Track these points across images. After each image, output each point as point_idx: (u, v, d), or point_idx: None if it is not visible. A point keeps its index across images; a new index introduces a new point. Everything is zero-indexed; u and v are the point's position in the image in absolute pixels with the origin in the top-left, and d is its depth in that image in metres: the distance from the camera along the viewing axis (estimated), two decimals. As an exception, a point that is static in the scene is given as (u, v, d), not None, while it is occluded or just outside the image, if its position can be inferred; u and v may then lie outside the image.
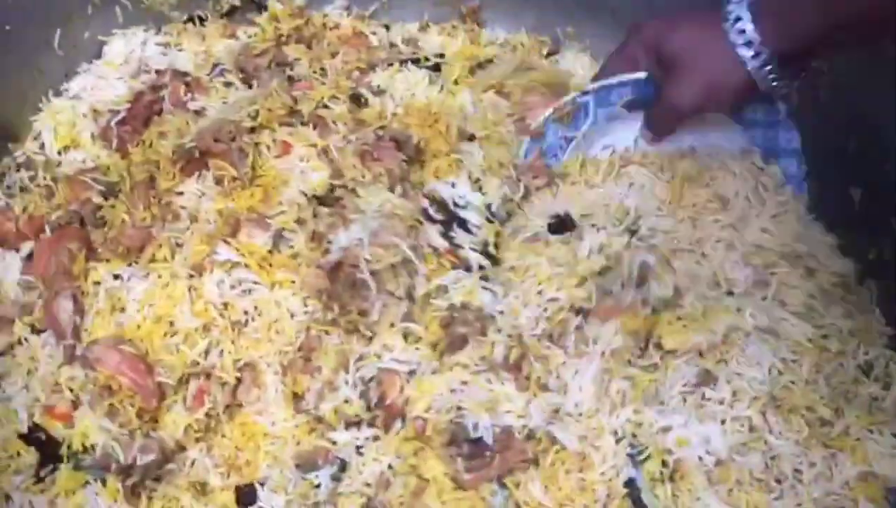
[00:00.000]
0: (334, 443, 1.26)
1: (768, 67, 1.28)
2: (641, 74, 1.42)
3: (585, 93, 1.46)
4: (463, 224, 1.38)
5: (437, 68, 1.62)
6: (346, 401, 1.27)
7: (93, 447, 1.26)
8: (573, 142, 1.48)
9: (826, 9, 1.20)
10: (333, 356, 1.30)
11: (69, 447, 1.26)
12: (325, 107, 1.47)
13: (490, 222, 1.40)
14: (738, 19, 1.27)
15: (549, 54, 1.75)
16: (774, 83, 1.30)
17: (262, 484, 1.26)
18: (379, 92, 1.53)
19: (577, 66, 1.73)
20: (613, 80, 1.45)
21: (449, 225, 1.38)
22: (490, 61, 1.68)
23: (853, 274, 1.40)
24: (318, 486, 1.26)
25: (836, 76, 1.46)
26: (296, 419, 1.29)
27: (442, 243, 1.36)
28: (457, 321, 1.30)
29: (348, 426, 1.27)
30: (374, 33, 1.69)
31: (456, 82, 1.61)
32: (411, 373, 1.28)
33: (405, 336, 1.30)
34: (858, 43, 1.29)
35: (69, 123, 1.52)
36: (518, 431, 1.24)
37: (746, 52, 1.27)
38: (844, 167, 1.46)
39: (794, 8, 1.24)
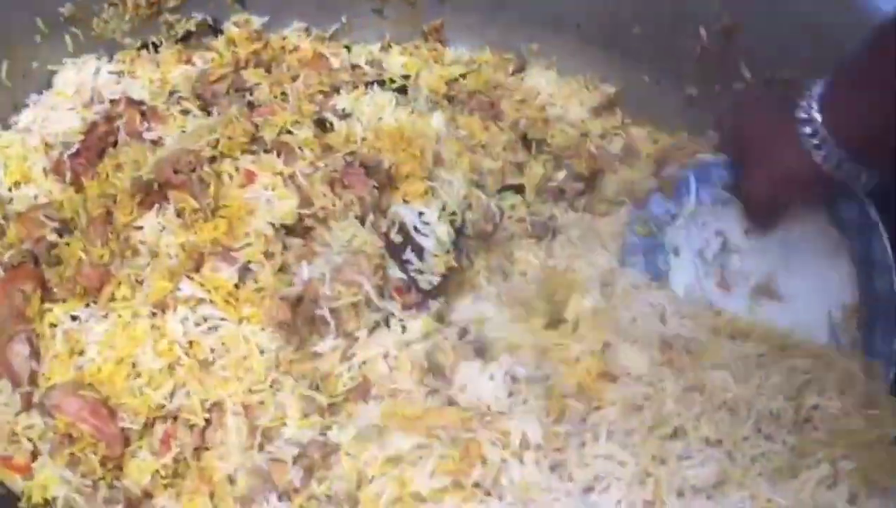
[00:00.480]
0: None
1: (836, 159, 1.26)
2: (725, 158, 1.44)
3: (685, 166, 1.47)
4: (420, 251, 1.35)
5: (402, 90, 1.57)
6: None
7: (54, 499, 1.19)
8: (680, 218, 1.46)
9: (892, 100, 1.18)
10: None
11: (29, 500, 1.20)
12: (289, 133, 1.40)
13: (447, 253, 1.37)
14: (807, 111, 1.26)
15: (514, 72, 1.70)
16: (846, 173, 1.27)
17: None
18: (344, 116, 1.47)
19: (543, 82, 1.69)
20: (711, 158, 1.46)
21: (403, 250, 1.35)
22: (456, 80, 1.64)
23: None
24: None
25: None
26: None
27: (399, 276, 1.33)
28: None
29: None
30: (335, 55, 1.63)
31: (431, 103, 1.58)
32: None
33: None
34: None
35: (19, 157, 1.46)
36: None
37: (811, 142, 1.26)
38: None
39: (861, 98, 1.23)
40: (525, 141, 1.58)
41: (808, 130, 1.26)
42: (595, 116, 1.67)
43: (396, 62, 1.67)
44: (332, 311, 1.28)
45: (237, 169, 1.36)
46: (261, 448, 1.24)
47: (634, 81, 1.65)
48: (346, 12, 1.69)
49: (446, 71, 1.65)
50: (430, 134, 1.46)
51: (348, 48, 1.68)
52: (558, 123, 1.61)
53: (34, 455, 1.23)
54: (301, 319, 1.28)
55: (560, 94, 1.67)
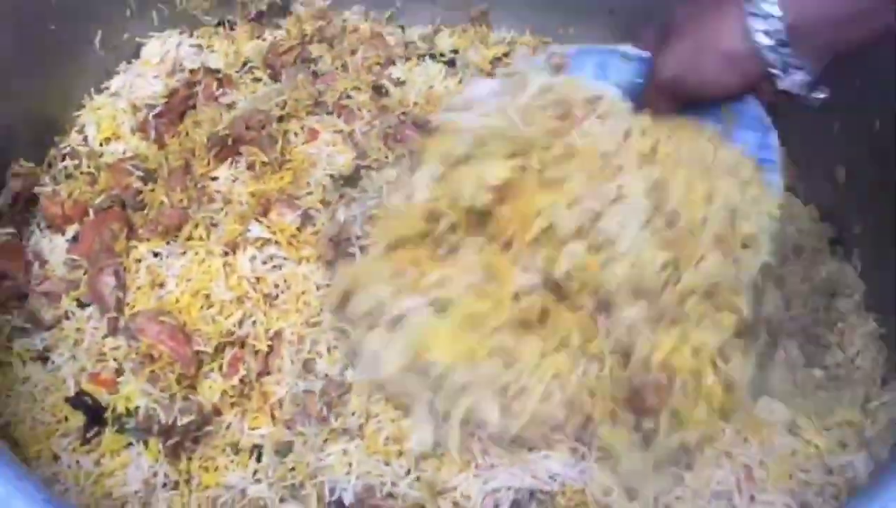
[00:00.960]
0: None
1: (779, 40, 1.09)
2: (644, 52, 1.27)
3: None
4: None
5: (451, 64, 1.68)
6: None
7: (136, 409, 1.29)
8: None
9: None
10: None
11: (113, 410, 1.29)
12: (349, 97, 1.54)
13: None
14: None
15: (551, 53, 1.81)
16: (783, 55, 1.10)
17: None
18: (399, 83, 1.59)
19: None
20: (606, 47, 1.32)
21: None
22: (500, 58, 1.75)
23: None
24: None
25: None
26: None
27: None
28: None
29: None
30: (390, 34, 1.74)
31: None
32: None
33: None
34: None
35: (110, 117, 1.56)
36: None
37: (752, 20, 1.09)
38: (829, 148, 1.51)
39: None
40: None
41: (750, 7, 1.09)
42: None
43: (447, 42, 1.76)
44: (361, 249, 1.38)
45: (302, 127, 1.50)
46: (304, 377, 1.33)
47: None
48: (400, -2, 1.79)
49: (490, 50, 1.75)
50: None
51: (402, 28, 1.79)
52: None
53: (118, 372, 1.32)
54: (340, 257, 1.38)
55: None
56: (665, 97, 1.22)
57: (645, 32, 1.28)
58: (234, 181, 1.47)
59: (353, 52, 1.65)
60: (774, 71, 1.12)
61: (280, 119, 1.50)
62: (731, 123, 1.24)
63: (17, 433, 1.28)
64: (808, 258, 1.49)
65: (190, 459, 1.29)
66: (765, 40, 1.09)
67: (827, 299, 1.46)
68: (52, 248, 1.44)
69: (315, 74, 1.61)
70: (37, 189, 1.46)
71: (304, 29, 1.68)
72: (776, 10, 1.07)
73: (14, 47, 1.44)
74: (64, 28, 1.52)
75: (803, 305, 1.44)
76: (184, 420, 1.28)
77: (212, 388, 1.33)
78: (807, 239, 1.50)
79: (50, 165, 1.51)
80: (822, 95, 1.14)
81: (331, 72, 1.61)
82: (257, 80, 1.61)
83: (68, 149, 1.53)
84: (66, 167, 1.50)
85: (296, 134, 1.49)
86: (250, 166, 1.47)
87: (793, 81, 1.12)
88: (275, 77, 1.62)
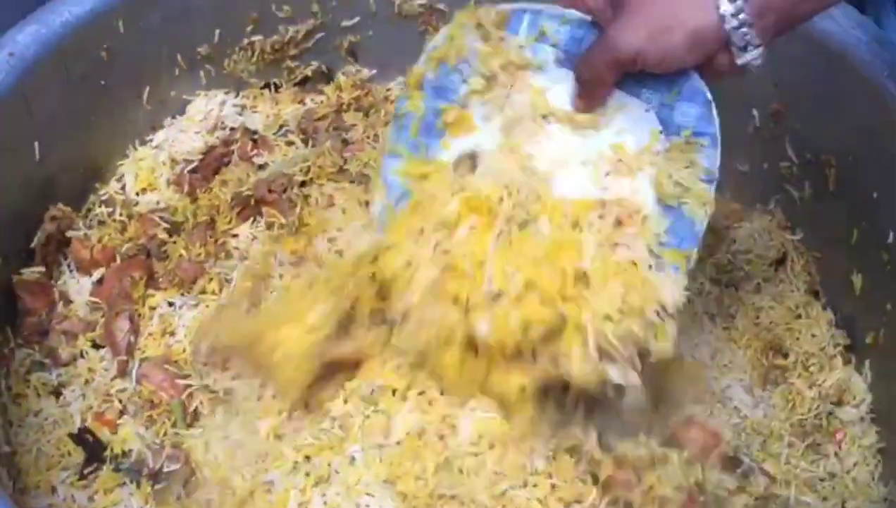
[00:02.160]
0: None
1: (743, 19, 1.10)
2: (586, 16, 1.24)
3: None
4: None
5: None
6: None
7: (130, 451, 1.38)
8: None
9: None
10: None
11: (112, 450, 1.38)
12: (372, 167, 1.62)
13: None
14: None
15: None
16: (744, 34, 1.11)
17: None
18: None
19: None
20: (551, 9, 1.26)
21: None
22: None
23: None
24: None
25: (842, 168, 1.52)
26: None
27: None
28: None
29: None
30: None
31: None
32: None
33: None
34: None
35: (149, 168, 1.68)
36: None
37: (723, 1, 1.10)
38: (849, 255, 1.53)
39: None
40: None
41: None
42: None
43: None
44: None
45: (322, 194, 1.59)
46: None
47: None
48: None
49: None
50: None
51: (440, 101, 1.87)
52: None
53: (122, 413, 1.42)
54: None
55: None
56: (614, 69, 1.18)
57: None
58: (252, 240, 1.57)
59: (387, 124, 1.72)
60: (734, 48, 1.13)
61: (302, 184, 1.60)
62: (674, 95, 1.21)
63: (21, 462, 1.38)
64: (817, 364, 1.50)
65: (179, 504, 1.35)
66: (732, 19, 1.10)
67: (831, 407, 1.47)
68: (79, 289, 1.56)
69: (345, 142, 1.71)
70: (69, 233, 1.58)
71: (341, 97, 1.78)
72: None
73: (62, 97, 1.55)
74: (114, 83, 1.63)
75: (807, 410, 1.46)
76: (170, 468, 1.36)
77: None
78: (818, 344, 1.52)
79: (88, 211, 1.64)
80: (759, 62, 1.15)
81: (360, 141, 1.69)
82: (290, 143, 1.72)
83: (106, 196, 1.65)
84: (99, 214, 1.62)
85: (317, 200, 1.58)
86: (269, 227, 1.58)
87: (749, 57, 1.13)
88: (307, 142, 1.72)
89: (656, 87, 1.21)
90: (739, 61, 1.14)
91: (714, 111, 1.21)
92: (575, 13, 1.24)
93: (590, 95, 1.23)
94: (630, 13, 1.13)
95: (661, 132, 1.23)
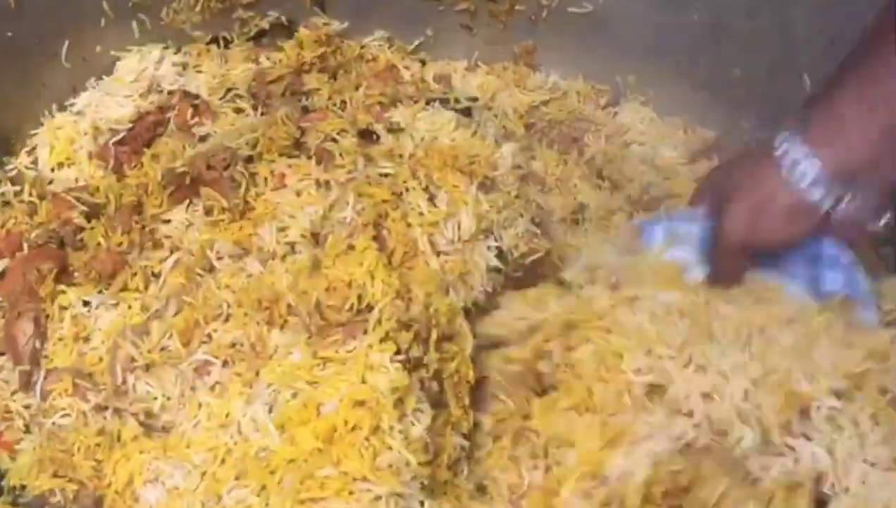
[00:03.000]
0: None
1: (822, 186, 1.27)
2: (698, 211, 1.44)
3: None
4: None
5: (467, 113, 1.60)
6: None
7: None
8: None
9: (879, 112, 1.23)
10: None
11: (9, 480, 1.29)
12: (333, 140, 1.48)
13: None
14: (783, 141, 1.31)
15: (606, 105, 1.74)
16: (837, 204, 1.29)
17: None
18: (397, 129, 1.53)
19: (638, 118, 1.72)
20: (686, 211, 1.48)
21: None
22: (537, 107, 1.68)
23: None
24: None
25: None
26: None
27: None
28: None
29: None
30: (406, 68, 1.71)
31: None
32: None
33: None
34: None
35: (68, 139, 1.56)
36: None
37: (792, 171, 1.29)
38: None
39: (843, 114, 1.26)
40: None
41: (785, 160, 1.29)
42: (690, 161, 1.69)
43: (470, 82, 1.72)
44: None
45: (272, 172, 1.44)
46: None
47: (734, 126, 1.67)
48: (432, 25, 1.76)
49: (528, 97, 1.70)
50: (489, 158, 1.50)
51: (423, 62, 1.75)
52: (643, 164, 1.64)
53: (26, 430, 1.33)
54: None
55: (653, 133, 1.71)
56: (735, 259, 1.39)
57: (701, 196, 1.46)
58: (187, 227, 1.43)
59: (357, 88, 1.61)
60: (828, 208, 1.29)
61: (249, 159, 1.45)
62: (817, 267, 1.40)
63: None
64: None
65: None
66: (810, 189, 1.28)
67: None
68: (-25, 285, 1.45)
69: (305, 110, 1.58)
70: (-33, 217, 1.47)
71: (302, 55, 1.66)
72: (810, 164, 1.27)
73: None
74: (25, 37, 1.53)
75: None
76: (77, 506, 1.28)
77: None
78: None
79: (-10, 189, 1.54)
80: (882, 222, 1.32)
81: (322, 109, 1.56)
82: (239, 110, 1.59)
83: (14, 171, 1.55)
84: (4, 193, 1.51)
85: (265, 179, 1.43)
86: (208, 212, 1.43)
87: (847, 210, 1.29)
88: (259, 109, 1.59)
89: (797, 264, 1.39)
90: (838, 217, 1.30)
91: (859, 272, 1.37)
92: (693, 213, 1.45)
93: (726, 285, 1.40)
94: (729, 208, 1.35)
95: None
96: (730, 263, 1.40)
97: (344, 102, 1.59)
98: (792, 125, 1.30)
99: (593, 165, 1.63)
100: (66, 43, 1.58)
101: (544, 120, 1.66)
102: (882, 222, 1.33)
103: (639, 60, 1.72)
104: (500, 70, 1.76)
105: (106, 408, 1.32)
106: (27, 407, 1.35)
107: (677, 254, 1.44)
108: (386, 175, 1.42)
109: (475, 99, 1.65)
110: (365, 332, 1.27)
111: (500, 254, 1.45)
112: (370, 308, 1.29)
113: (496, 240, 1.44)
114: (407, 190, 1.41)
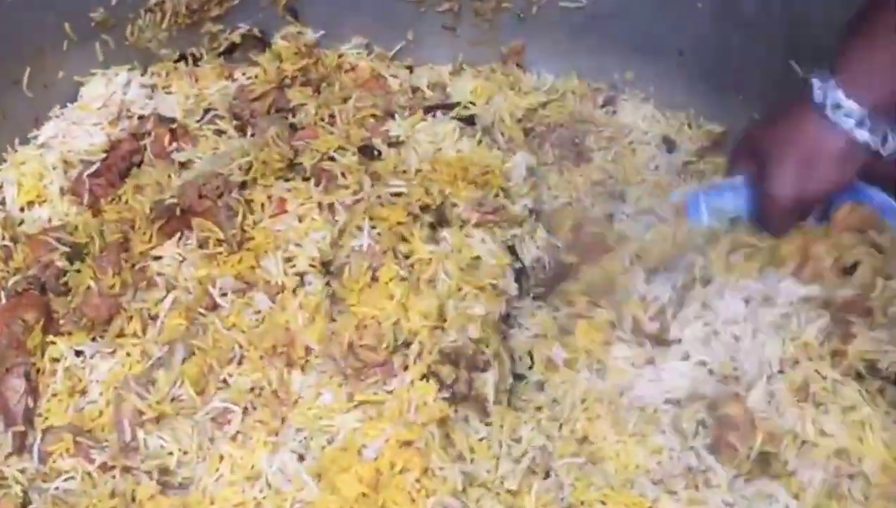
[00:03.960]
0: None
1: (868, 126, 1.39)
2: (738, 179, 1.54)
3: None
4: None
5: (469, 120, 1.63)
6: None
7: None
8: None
9: None
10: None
11: None
12: (332, 159, 1.51)
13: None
14: (822, 88, 1.40)
15: (604, 104, 1.78)
16: (883, 142, 1.40)
17: None
18: (397, 143, 1.56)
19: (639, 117, 1.77)
20: (725, 181, 1.58)
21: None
22: (535, 111, 1.73)
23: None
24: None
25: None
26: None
27: None
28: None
29: None
30: (394, 76, 1.73)
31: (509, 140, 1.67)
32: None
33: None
34: None
35: (35, 174, 1.56)
36: None
37: (836, 114, 1.39)
38: None
39: (875, 54, 1.38)
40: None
41: (828, 104, 1.39)
42: (699, 157, 1.74)
43: (466, 87, 1.75)
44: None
45: (269, 197, 1.46)
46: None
47: (743, 119, 1.70)
48: (413, 28, 1.79)
49: (524, 100, 1.73)
50: (500, 167, 1.54)
51: (410, 69, 1.78)
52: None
53: (24, 503, 1.31)
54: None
55: (658, 131, 1.76)
56: (789, 215, 1.48)
57: (736, 162, 1.58)
58: (181, 262, 1.44)
59: (345, 101, 1.63)
60: (875, 147, 1.41)
61: (243, 185, 1.47)
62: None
63: None
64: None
65: None
66: (857, 130, 1.39)
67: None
68: (-47, 341, 1.42)
69: (293, 128, 1.60)
70: (-67, 266, 1.45)
71: (283, 70, 1.68)
72: (853, 104, 1.38)
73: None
74: None
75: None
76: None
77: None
78: None
79: (-47, 235, 1.51)
80: None
81: (312, 126, 1.59)
82: (221, 132, 1.60)
83: None
84: (-27, 239, 1.49)
85: (262, 205, 1.45)
86: (202, 245, 1.45)
87: (891, 147, 1.41)
88: (243, 129, 1.61)
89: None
90: (886, 153, 1.41)
91: None
92: (734, 181, 1.56)
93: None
94: (775, 166, 1.46)
95: None
96: (782, 223, 1.49)
97: (332, 116, 1.61)
98: (825, 73, 1.40)
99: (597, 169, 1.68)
100: (28, 70, 1.58)
101: (543, 124, 1.70)
102: None
103: (637, 55, 1.76)
104: (488, 72, 1.80)
105: (113, 467, 1.31)
106: (22, 471, 1.33)
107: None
108: (398, 194, 1.45)
109: (475, 104, 1.67)
110: (406, 368, 1.31)
111: (523, 271, 1.50)
112: (407, 344, 1.32)
113: (518, 259, 1.49)
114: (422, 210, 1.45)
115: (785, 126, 1.46)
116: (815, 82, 1.40)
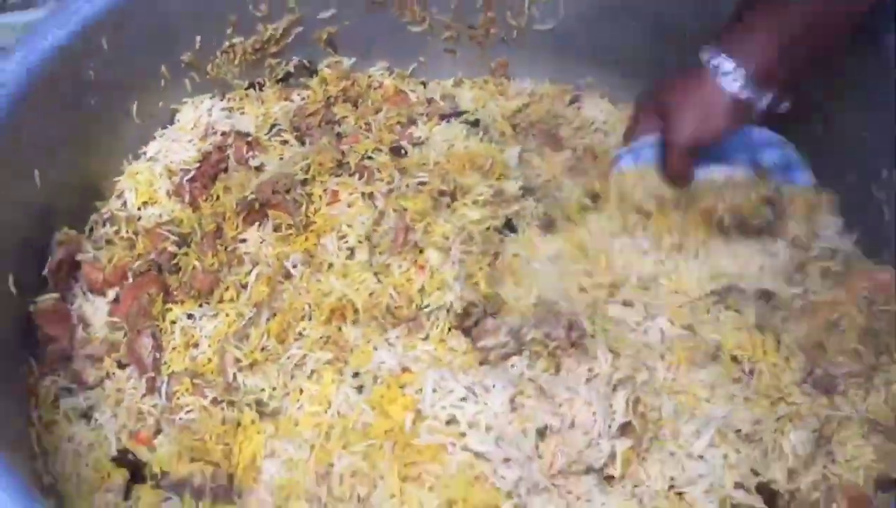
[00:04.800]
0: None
1: (749, 88, 1.40)
2: (657, 136, 1.49)
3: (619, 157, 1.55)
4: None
5: (473, 123, 1.64)
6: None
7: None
8: None
9: (779, 29, 1.37)
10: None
11: (150, 468, 1.29)
12: (370, 158, 1.51)
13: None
14: (714, 58, 1.41)
15: (571, 102, 1.78)
16: (760, 99, 1.41)
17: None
18: (419, 143, 1.57)
19: (598, 111, 1.76)
20: (648, 139, 1.52)
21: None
22: (519, 111, 1.72)
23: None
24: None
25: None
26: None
27: None
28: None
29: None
30: (412, 91, 1.72)
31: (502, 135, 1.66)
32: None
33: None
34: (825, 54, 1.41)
35: (147, 182, 1.56)
36: None
37: (724, 79, 1.40)
38: (879, 190, 1.49)
39: (755, 33, 1.40)
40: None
41: (716, 70, 1.40)
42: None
43: (467, 96, 1.74)
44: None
45: (325, 190, 1.47)
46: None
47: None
48: (422, 53, 1.77)
49: (511, 103, 1.73)
50: (499, 157, 1.56)
51: (424, 84, 1.77)
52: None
53: (157, 431, 1.33)
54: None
55: (613, 120, 1.74)
56: (685, 158, 1.47)
57: (642, 114, 1.54)
58: (261, 243, 1.45)
59: (377, 112, 1.63)
60: (754, 102, 1.42)
61: (304, 182, 1.48)
62: (753, 149, 1.52)
63: (64, 489, 1.28)
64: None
65: (232, 509, 1.27)
66: (741, 91, 1.41)
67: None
68: (94, 311, 1.43)
69: (339, 136, 1.60)
70: (79, 256, 1.45)
71: (328, 91, 1.67)
72: (739, 72, 1.40)
73: (55, 122, 1.42)
74: (102, 101, 1.50)
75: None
76: (214, 483, 1.28)
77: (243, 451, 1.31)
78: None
79: (91, 231, 1.51)
80: (786, 104, 1.45)
81: (354, 133, 1.58)
82: (285, 142, 1.59)
83: (108, 214, 1.52)
84: (106, 233, 1.49)
85: (319, 197, 1.46)
86: (276, 229, 1.46)
87: (765, 102, 1.42)
88: (301, 139, 1.60)
89: (737, 151, 1.51)
90: (760, 107, 1.42)
91: (788, 146, 1.51)
92: (650, 139, 1.52)
93: (681, 184, 1.51)
94: (675, 116, 1.45)
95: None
96: (680, 163, 1.47)
97: (368, 124, 1.60)
98: (716, 45, 1.41)
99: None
100: (136, 103, 1.57)
101: (526, 121, 1.68)
102: (783, 107, 1.44)
103: (594, 64, 1.76)
104: (482, 83, 1.78)
105: (221, 402, 1.33)
106: (154, 407, 1.35)
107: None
108: (423, 183, 1.46)
109: (477, 111, 1.69)
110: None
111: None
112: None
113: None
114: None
115: (683, 85, 1.45)
116: (708, 53, 1.41)
